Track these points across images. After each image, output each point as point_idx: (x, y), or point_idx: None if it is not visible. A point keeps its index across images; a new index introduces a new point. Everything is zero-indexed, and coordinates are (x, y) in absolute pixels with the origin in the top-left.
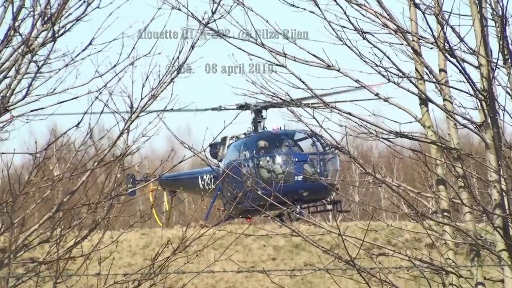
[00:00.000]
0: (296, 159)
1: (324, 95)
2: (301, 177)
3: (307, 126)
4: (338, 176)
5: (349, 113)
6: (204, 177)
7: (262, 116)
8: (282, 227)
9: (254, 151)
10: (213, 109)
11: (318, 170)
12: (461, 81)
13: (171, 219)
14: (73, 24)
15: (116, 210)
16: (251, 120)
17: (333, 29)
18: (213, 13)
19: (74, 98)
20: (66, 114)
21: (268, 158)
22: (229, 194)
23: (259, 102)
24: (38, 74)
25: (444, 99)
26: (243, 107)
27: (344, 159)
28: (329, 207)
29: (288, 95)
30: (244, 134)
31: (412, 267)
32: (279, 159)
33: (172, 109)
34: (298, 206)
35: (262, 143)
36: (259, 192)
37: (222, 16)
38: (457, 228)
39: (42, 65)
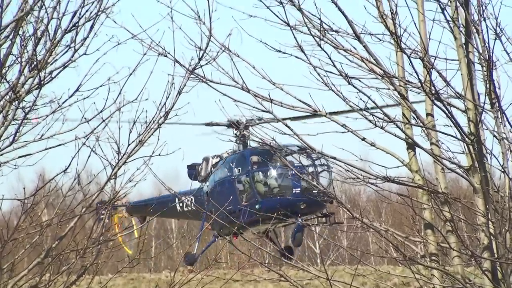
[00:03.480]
0: (293, 172)
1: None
2: (299, 189)
3: (296, 172)
4: (332, 187)
5: (335, 158)
6: (182, 198)
7: (248, 132)
8: (270, 272)
9: (249, 166)
10: (205, 124)
11: (314, 182)
12: (448, 125)
13: (159, 264)
14: (60, 70)
15: (105, 255)
16: (235, 139)
17: (318, 74)
18: (199, 59)
19: (61, 144)
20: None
21: (264, 172)
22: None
23: (249, 120)
24: (25, 121)
25: (431, 143)
26: (234, 124)
27: (333, 204)
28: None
29: (275, 141)
30: (227, 153)
31: None
32: (274, 172)
33: (159, 154)
34: (299, 219)
35: (255, 158)
36: (256, 207)
37: (208, 62)
38: (446, 272)
39: (29, 111)
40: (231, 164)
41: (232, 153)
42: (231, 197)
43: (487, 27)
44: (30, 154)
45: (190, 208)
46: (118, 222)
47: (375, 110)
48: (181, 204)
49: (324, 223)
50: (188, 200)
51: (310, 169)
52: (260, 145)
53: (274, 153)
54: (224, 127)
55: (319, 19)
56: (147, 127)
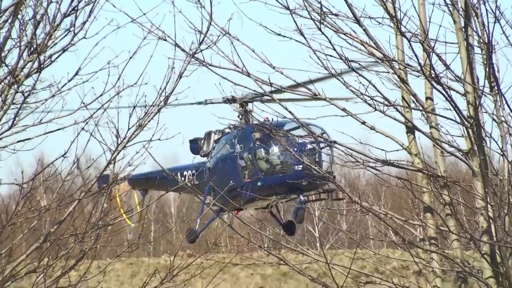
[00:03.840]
0: (295, 149)
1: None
2: (301, 166)
3: (295, 155)
4: (333, 164)
5: (335, 142)
6: (184, 173)
7: (249, 109)
8: (270, 256)
9: (251, 143)
10: (199, 103)
11: (316, 159)
12: (447, 109)
13: (159, 249)
14: (59, 54)
15: (103, 240)
16: (237, 114)
17: (318, 58)
18: (200, 43)
19: (60, 129)
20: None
21: (266, 149)
22: (222, 188)
23: (246, 95)
24: (24, 105)
25: (431, 127)
26: (229, 100)
27: (332, 186)
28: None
29: (276, 126)
30: (229, 128)
31: None
32: (276, 149)
33: (159, 138)
34: (302, 196)
35: (257, 135)
36: (258, 184)
37: (209, 46)
38: (445, 255)
39: (28, 95)
40: (233, 140)
41: (234, 129)
42: (233, 174)
43: (486, 11)
44: (29, 139)
45: (192, 183)
46: (120, 197)
47: (359, 71)
48: (183, 179)
49: (326, 199)
50: (190, 175)
51: (311, 146)
52: (257, 126)
53: (273, 136)
54: (221, 103)
55: (319, 2)
56: (147, 111)
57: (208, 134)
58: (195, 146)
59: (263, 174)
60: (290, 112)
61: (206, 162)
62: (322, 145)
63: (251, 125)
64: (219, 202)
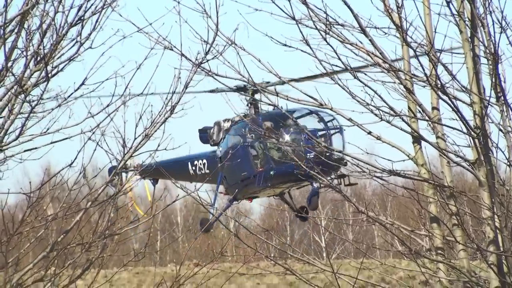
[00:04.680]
0: (306, 136)
1: None
2: (313, 154)
3: (301, 165)
4: (345, 150)
5: (341, 152)
6: (195, 162)
7: (258, 98)
8: (276, 265)
9: (262, 132)
10: (210, 91)
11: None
12: (454, 119)
13: (165, 258)
14: (65, 64)
15: (110, 249)
16: (247, 103)
17: (324, 68)
18: (206, 53)
19: (67, 138)
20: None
21: (277, 137)
22: (234, 177)
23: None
24: (31, 114)
25: (437, 137)
26: (241, 89)
27: (338, 197)
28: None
29: (281, 135)
30: (239, 116)
31: None
32: (288, 137)
33: (165, 148)
34: (314, 183)
35: (268, 123)
36: (271, 173)
37: (215, 56)
38: (451, 265)
39: (35, 105)
40: (244, 130)
41: (244, 117)
42: (245, 163)
43: (492, 21)
44: (36, 148)
45: (203, 172)
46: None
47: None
48: (193, 168)
49: (339, 184)
50: (201, 164)
51: (322, 133)
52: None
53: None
54: (231, 91)
55: (325, 12)
56: (153, 121)
57: (218, 123)
58: (204, 135)
59: (274, 163)
60: (296, 121)
61: (217, 151)
62: (332, 131)
63: (260, 114)
64: (232, 190)
